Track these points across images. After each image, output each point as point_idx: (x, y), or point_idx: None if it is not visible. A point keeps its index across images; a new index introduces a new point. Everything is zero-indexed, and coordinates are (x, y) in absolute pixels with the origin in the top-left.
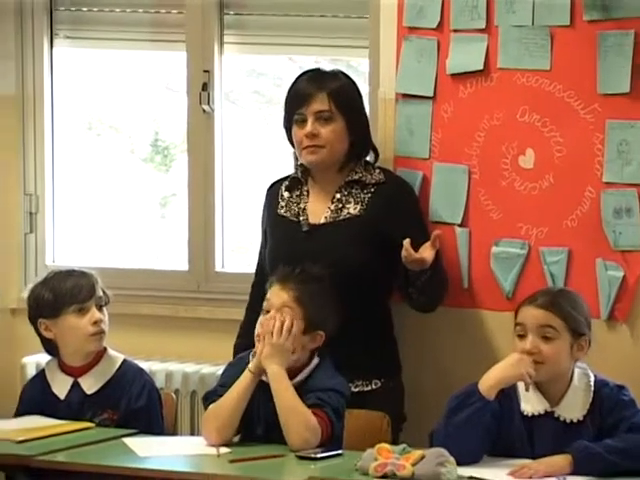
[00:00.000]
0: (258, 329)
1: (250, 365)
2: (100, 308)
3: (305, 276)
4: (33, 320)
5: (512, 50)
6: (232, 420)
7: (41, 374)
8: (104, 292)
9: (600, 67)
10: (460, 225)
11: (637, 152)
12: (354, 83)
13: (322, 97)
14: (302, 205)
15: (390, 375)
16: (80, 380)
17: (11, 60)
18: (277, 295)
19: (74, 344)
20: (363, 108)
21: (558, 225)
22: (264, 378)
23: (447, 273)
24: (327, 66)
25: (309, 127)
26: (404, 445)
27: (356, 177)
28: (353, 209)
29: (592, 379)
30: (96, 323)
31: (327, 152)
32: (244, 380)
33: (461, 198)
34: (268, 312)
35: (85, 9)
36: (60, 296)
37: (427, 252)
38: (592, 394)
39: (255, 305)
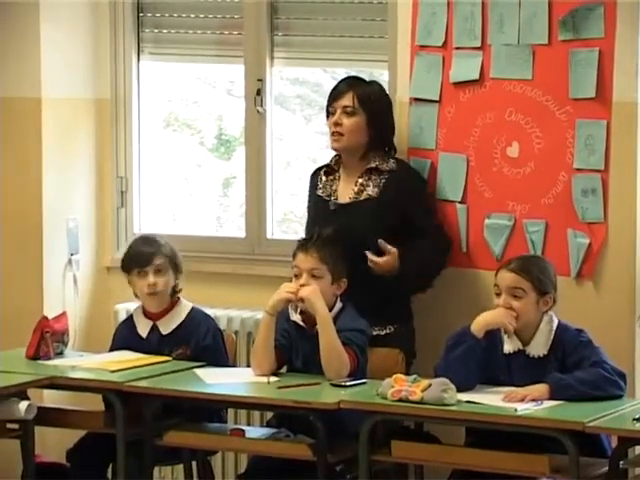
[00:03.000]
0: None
1: (267, 307)
2: (160, 274)
3: (321, 240)
4: (126, 275)
5: (502, 63)
6: (265, 355)
7: (129, 318)
8: (173, 259)
9: (571, 77)
10: (460, 202)
11: (600, 144)
12: (383, 91)
13: (349, 95)
14: (334, 187)
15: (403, 321)
16: (158, 323)
17: (107, 71)
18: (303, 261)
19: (141, 298)
20: (386, 110)
21: (537, 202)
22: (300, 322)
23: (430, 266)
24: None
25: (335, 117)
26: (415, 375)
27: (374, 165)
28: (371, 191)
29: (555, 324)
30: (149, 286)
31: (346, 140)
32: (264, 322)
33: (461, 180)
34: (297, 277)
35: (165, 31)
36: (128, 259)
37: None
38: (553, 335)
39: None
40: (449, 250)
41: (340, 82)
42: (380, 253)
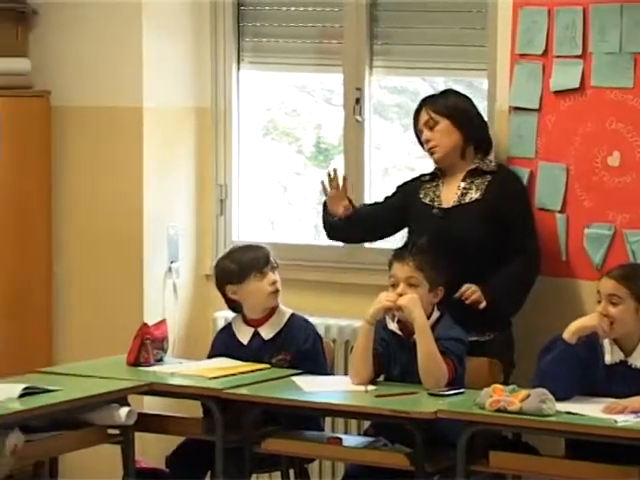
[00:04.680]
0: (387, 300)
1: (367, 316)
2: (274, 271)
3: (417, 248)
4: (220, 287)
5: (603, 72)
6: (363, 364)
7: (228, 326)
8: (274, 260)
9: None
10: (559, 212)
11: None
12: (458, 93)
13: (424, 111)
14: (437, 193)
15: (501, 329)
16: (259, 329)
17: (207, 80)
18: (400, 270)
19: (256, 302)
20: (467, 107)
21: (638, 212)
22: (397, 331)
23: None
24: (452, 85)
25: (424, 136)
26: (514, 386)
27: (474, 166)
28: (475, 194)
29: None
30: (273, 284)
31: (441, 149)
32: (362, 331)
33: (560, 190)
34: (393, 286)
35: (265, 40)
36: (243, 266)
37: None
38: None
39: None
40: (539, 267)
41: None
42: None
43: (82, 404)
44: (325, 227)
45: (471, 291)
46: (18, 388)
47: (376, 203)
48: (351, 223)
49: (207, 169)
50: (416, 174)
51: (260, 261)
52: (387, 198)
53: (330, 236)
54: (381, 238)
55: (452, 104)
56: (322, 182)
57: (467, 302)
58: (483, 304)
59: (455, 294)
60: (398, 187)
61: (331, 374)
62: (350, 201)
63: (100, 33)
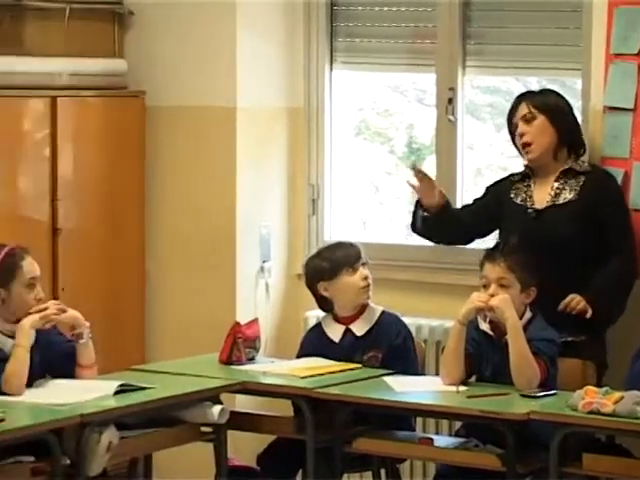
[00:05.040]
0: (479, 301)
1: (459, 317)
2: (364, 267)
3: (509, 248)
4: (311, 284)
5: None
6: (455, 364)
7: (318, 325)
8: (365, 256)
9: None
10: None
11: None
12: (557, 93)
13: (523, 105)
14: (529, 193)
15: (595, 331)
16: (351, 326)
17: (300, 81)
18: (491, 271)
19: (348, 298)
20: (565, 107)
21: None
22: (489, 331)
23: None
24: (546, 85)
25: (519, 129)
26: (607, 388)
27: (567, 167)
28: (569, 195)
29: None
30: (365, 279)
31: (535, 147)
32: (454, 331)
33: None
34: (485, 287)
35: (357, 40)
36: (335, 262)
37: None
38: None
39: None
40: (636, 267)
41: (513, 101)
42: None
43: (176, 402)
44: (415, 223)
45: (576, 302)
46: (113, 385)
47: (465, 206)
48: (442, 221)
49: (299, 169)
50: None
51: (351, 257)
52: (477, 200)
53: (420, 232)
54: (470, 241)
55: (552, 102)
56: (408, 182)
57: (573, 313)
58: (589, 313)
59: (559, 306)
60: (488, 188)
61: (422, 374)
62: (441, 191)
63: (195, 33)
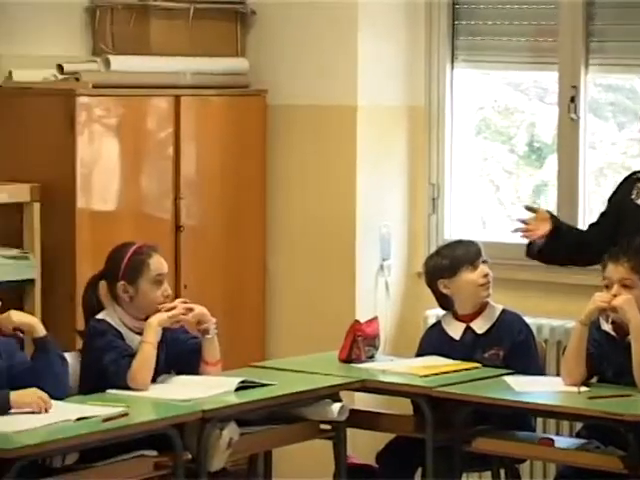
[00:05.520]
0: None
1: (581, 317)
2: (485, 264)
3: (632, 249)
4: (432, 282)
5: None
6: (576, 365)
7: (438, 323)
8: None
9: None
10: None
11: None
12: None
13: None
14: None
15: None
16: (471, 324)
17: (421, 79)
18: (614, 271)
19: (468, 295)
20: None
21: None
22: (611, 332)
23: None
24: None
25: None
26: None
27: None
28: None
29: None
30: (485, 276)
31: None
32: (576, 331)
33: None
34: (607, 287)
35: (479, 38)
36: (455, 259)
37: None
38: None
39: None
40: None
41: None
42: None
43: (295, 399)
44: (530, 255)
45: None
46: (234, 382)
47: (592, 225)
48: (556, 245)
49: (420, 168)
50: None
51: (471, 254)
52: (601, 215)
53: (539, 259)
54: (592, 263)
55: None
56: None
57: None
58: None
59: None
60: (609, 199)
61: (542, 374)
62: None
63: (316, 32)
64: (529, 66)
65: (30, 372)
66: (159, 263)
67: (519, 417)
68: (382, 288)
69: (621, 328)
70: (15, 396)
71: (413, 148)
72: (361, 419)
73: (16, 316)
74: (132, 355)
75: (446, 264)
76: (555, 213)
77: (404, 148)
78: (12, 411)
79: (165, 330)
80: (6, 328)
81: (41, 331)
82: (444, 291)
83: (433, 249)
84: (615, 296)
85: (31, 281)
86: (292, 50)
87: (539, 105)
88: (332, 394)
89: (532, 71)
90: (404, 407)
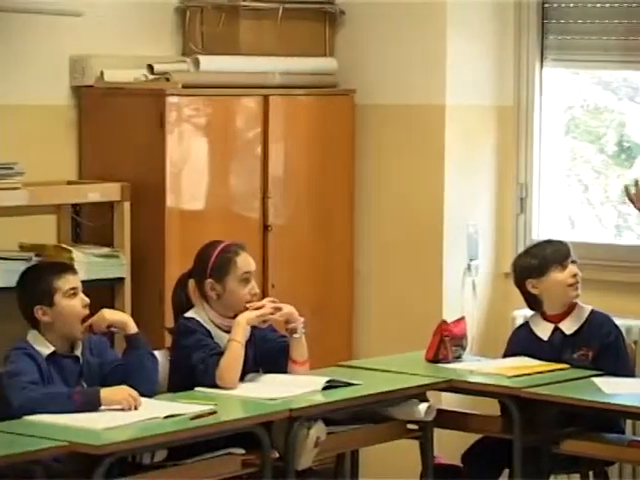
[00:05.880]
0: None
1: None
2: (574, 265)
3: None
4: (520, 282)
5: None
6: None
7: (526, 324)
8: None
9: None
10: None
11: None
12: None
13: None
14: None
15: None
16: (560, 325)
17: (510, 79)
18: None
19: (557, 295)
20: None
21: None
22: None
23: None
24: None
25: None
26: None
27: None
28: None
29: None
30: (574, 276)
31: None
32: None
33: None
34: None
35: (569, 37)
36: (544, 259)
37: None
38: None
39: None
40: None
41: None
42: None
43: (382, 398)
44: None
45: None
46: (322, 381)
47: None
48: None
49: (508, 167)
50: None
51: (560, 254)
52: None
53: None
54: None
55: None
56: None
57: None
58: None
59: None
60: None
61: (632, 375)
62: None
63: (404, 32)
64: (619, 65)
65: (121, 369)
66: (246, 261)
67: (608, 419)
68: (469, 288)
69: None
70: (105, 393)
71: (501, 147)
72: (448, 419)
73: (109, 314)
74: (220, 353)
75: (535, 264)
76: None
77: (492, 147)
78: (102, 408)
79: (253, 329)
80: (99, 327)
81: (133, 328)
82: (532, 291)
83: (521, 249)
84: None
85: (121, 279)
86: (380, 50)
87: (629, 104)
88: (419, 394)
89: (622, 70)
90: (491, 408)
